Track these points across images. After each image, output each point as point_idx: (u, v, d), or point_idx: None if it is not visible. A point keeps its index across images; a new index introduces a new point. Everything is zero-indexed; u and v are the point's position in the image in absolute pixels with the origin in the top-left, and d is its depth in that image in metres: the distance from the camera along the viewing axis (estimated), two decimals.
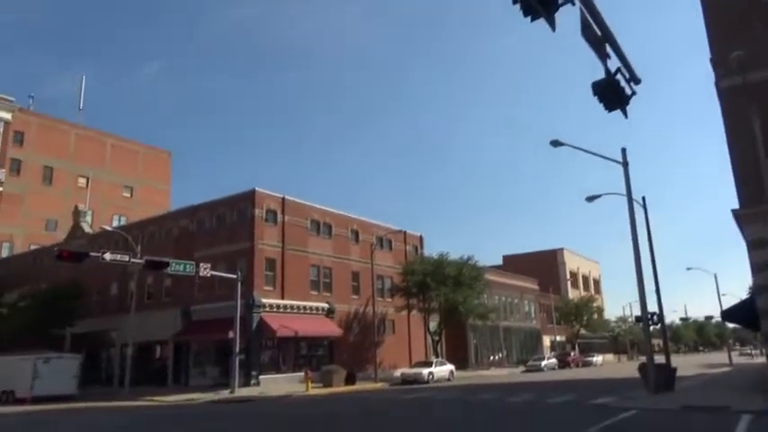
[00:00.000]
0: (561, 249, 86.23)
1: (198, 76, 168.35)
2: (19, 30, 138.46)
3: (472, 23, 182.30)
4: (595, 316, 76.26)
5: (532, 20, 7.37)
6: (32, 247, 54.53)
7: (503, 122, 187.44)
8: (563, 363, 55.24)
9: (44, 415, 22.69)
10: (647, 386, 20.83)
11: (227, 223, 37.45)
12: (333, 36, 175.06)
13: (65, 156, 63.33)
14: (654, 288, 27.51)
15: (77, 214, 49.56)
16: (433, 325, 45.07)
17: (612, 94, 9.83)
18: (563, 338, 74.82)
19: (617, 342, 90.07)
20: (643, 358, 40.38)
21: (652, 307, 25.55)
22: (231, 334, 30.57)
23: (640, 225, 23.80)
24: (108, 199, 64.15)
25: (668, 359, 24.77)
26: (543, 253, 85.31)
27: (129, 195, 67.87)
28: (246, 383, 31.95)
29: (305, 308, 37.49)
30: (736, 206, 18.59)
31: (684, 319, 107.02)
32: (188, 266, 28.82)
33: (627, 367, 48.38)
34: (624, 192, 22.92)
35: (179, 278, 35.06)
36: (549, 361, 52.90)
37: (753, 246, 18.04)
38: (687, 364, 47.27)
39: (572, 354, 62.10)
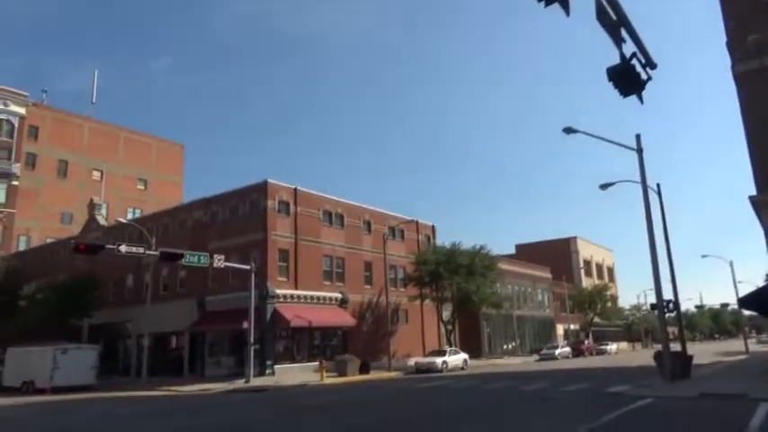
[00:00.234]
0: (574, 238, 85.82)
1: (209, 69, 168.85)
2: (32, 25, 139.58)
3: (488, 10, 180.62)
4: (609, 304, 75.97)
5: (547, 5, 7.28)
6: (49, 241, 55.23)
7: (517, 112, 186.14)
8: (577, 351, 55.07)
9: (63, 404, 23.09)
10: (663, 374, 20.72)
11: (240, 215, 37.65)
12: (345, 24, 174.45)
13: (79, 149, 63.94)
14: (669, 275, 27.32)
15: (92, 207, 50.04)
16: (446, 314, 45.11)
17: (628, 80, 9.68)
18: (577, 327, 74.61)
19: (631, 330, 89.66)
20: (658, 346, 40.18)
21: (667, 295, 25.39)
22: (246, 324, 30.83)
23: (655, 212, 23.60)
24: (122, 192, 64.76)
25: (684, 347, 24.59)
26: (556, 242, 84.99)
27: (142, 188, 68.47)
28: (261, 373, 32.24)
29: (318, 298, 37.67)
30: (754, 192, 18.36)
31: (700, 307, 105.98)
32: (202, 258, 29.02)
33: (641, 355, 48.23)
34: (639, 179, 22.71)
35: (193, 270, 35.34)
36: (563, 349, 52.78)
37: None
38: (703, 352, 46.95)
39: (586, 342, 61.88)
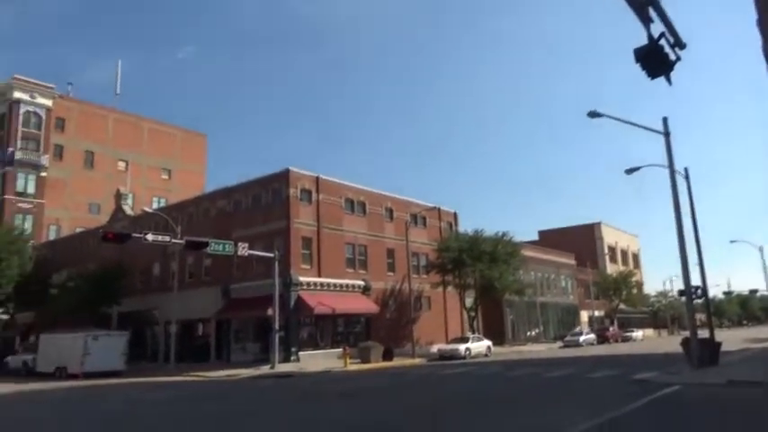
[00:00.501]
0: (599, 224, 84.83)
1: (232, 58, 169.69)
2: (56, 17, 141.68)
3: None
4: (635, 290, 75.09)
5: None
6: (78, 230, 56.38)
7: (540, 96, 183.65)
8: (602, 338, 54.58)
9: (96, 389, 23.70)
10: (691, 361, 20.44)
11: (263, 203, 37.96)
12: (371, 11, 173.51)
13: (104, 140, 65.00)
14: (697, 261, 26.86)
15: (119, 197, 50.90)
16: (468, 301, 45.04)
17: (656, 61, 9.44)
18: (601, 314, 73.92)
19: (657, 317, 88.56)
20: (684, 333, 39.66)
21: (695, 281, 24.97)
22: (270, 311, 31.20)
23: (683, 197, 23.17)
24: (147, 182, 65.74)
25: (712, 333, 24.21)
26: (580, 227, 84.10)
27: (167, 178, 69.44)
28: (286, 359, 32.64)
29: (341, 285, 37.91)
30: None
31: (728, 293, 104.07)
32: (226, 246, 29.38)
33: (668, 342, 47.60)
34: (666, 163, 22.28)
35: (218, 258, 35.82)
36: (588, 336, 52.37)
37: None
38: (731, 339, 46.05)
39: (611, 329, 61.29)
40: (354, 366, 30.33)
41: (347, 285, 38.34)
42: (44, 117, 59.08)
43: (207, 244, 28.64)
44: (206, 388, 22.59)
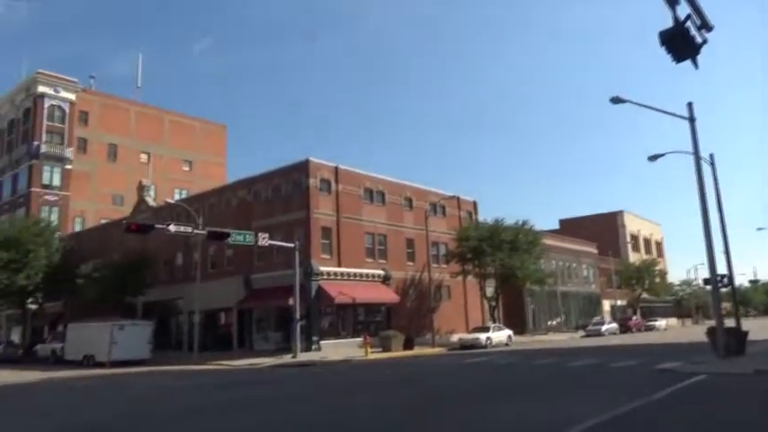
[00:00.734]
0: (621, 212, 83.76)
1: (249, 48, 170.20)
2: (76, 12, 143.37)
3: None
4: (658, 279, 74.05)
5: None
6: (102, 221, 57.35)
7: (560, 83, 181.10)
8: (624, 327, 53.99)
9: (125, 377, 24.21)
10: (717, 350, 20.11)
11: (283, 194, 38.17)
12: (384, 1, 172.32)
13: (126, 133, 65.87)
14: (722, 249, 26.36)
15: (141, 189, 51.56)
16: (489, 290, 44.88)
17: (682, 43, 9.23)
18: (624, 303, 73.14)
19: (681, 306, 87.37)
20: (709, 322, 38.99)
21: (720, 269, 24.52)
22: (291, 301, 31.45)
23: (708, 184, 22.68)
24: (168, 173, 66.52)
25: (738, 322, 23.78)
26: (602, 216, 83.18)
27: (188, 169, 70.16)
28: (308, 348, 32.92)
29: (361, 275, 38.03)
30: None
31: (754, 282, 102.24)
32: (247, 237, 29.63)
33: (692, 332, 46.92)
34: (690, 149, 21.82)
35: (240, 248, 36.15)
36: (610, 325, 51.87)
37: None
38: (758, 328, 45.23)
39: (634, 318, 60.62)
40: (375, 355, 30.48)
41: (367, 275, 38.45)
42: (68, 111, 60.05)
43: (228, 234, 28.92)
44: (231, 376, 22.88)
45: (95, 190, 61.78)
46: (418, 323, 40.21)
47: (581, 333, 51.83)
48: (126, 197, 59.84)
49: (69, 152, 58.99)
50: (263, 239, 30.20)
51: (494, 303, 44.73)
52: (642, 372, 17.52)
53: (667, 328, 63.26)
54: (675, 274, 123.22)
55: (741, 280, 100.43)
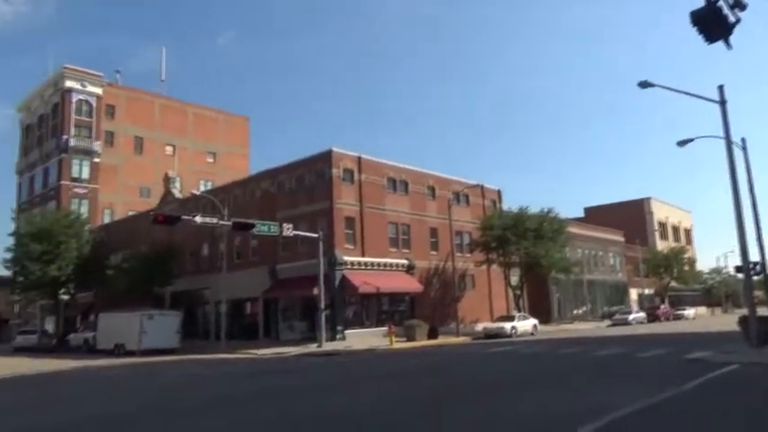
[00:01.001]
0: (648, 199, 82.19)
1: (272, 40, 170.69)
2: (101, 8, 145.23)
3: None
4: (687, 268, 72.67)
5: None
6: (130, 213, 58.40)
7: (584, 66, 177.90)
8: (652, 316, 53.19)
9: (155, 365, 24.74)
10: (749, 340, 19.68)
11: (307, 184, 38.32)
12: None
13: (152, 126, 66.83)
14: (755, 236, 25.71)
15: (167, 181, 52.26)
16: (513, 279, 44.58)
17: (714, 23, 8.94)
18: (651, 291, 72.00)
19: (710, 295, 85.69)
20: (739, 311, 38.17)
21: (753, 256, 23.95)
22: (316, 291, 31.70)
23: (740, 169, 22.08)
24: (193, 165, 67.31)
25: None
26: (629, 203, 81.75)
27: (212, 161, 70.95)
28: (332, 338, 33.16)
29: (385, 264, 38.08)
30: None
31: None
32: (272, 227, 29.87)
33: (722, 320, 46.04)
34: (721, 134, 21.25)
35: (264, 238, 36.46)
36: (637, 314, 51.15)
37: None
38: None
39: (662, 307, 59.65)
40: (399, 345, 30.55)
41: (391, 264, 38.49)
42: (95, 105, 61.12)
43: (253, 225, 29.20)
44: (258, 365, 23.19)
45: (123, 182, 62.89)
46: (442, 312, 40.17)
47: (607, 322, 51.24)
48: (153, 189, 60.75)
49: (97, 145, 60.09)
50: (288, 230, 30.41)
51: (518, 292, 44.43)
52: (671, 361, 17.23)
53: (696, 317, 62.12)
54: (705, 262, 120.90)
55: None
